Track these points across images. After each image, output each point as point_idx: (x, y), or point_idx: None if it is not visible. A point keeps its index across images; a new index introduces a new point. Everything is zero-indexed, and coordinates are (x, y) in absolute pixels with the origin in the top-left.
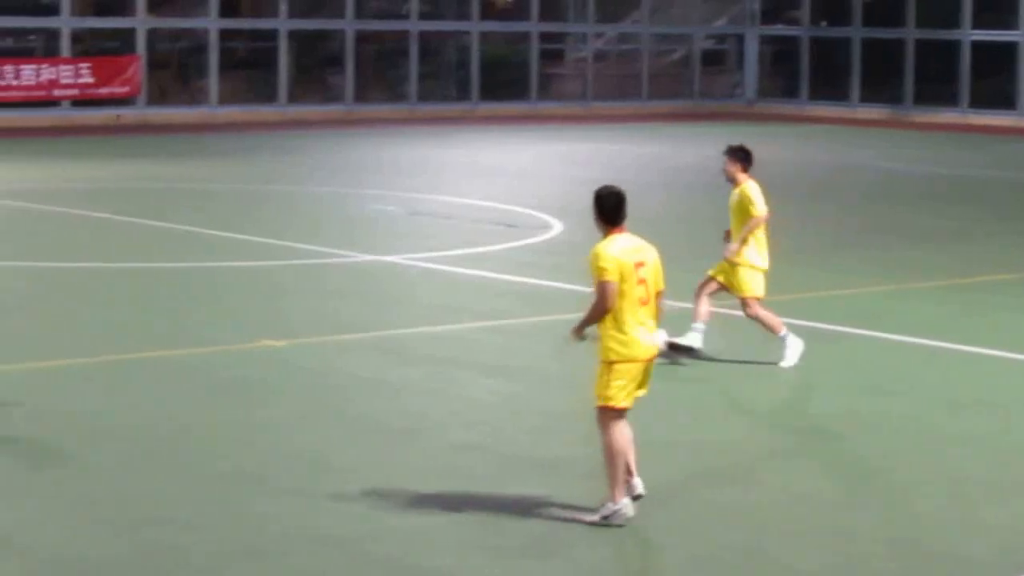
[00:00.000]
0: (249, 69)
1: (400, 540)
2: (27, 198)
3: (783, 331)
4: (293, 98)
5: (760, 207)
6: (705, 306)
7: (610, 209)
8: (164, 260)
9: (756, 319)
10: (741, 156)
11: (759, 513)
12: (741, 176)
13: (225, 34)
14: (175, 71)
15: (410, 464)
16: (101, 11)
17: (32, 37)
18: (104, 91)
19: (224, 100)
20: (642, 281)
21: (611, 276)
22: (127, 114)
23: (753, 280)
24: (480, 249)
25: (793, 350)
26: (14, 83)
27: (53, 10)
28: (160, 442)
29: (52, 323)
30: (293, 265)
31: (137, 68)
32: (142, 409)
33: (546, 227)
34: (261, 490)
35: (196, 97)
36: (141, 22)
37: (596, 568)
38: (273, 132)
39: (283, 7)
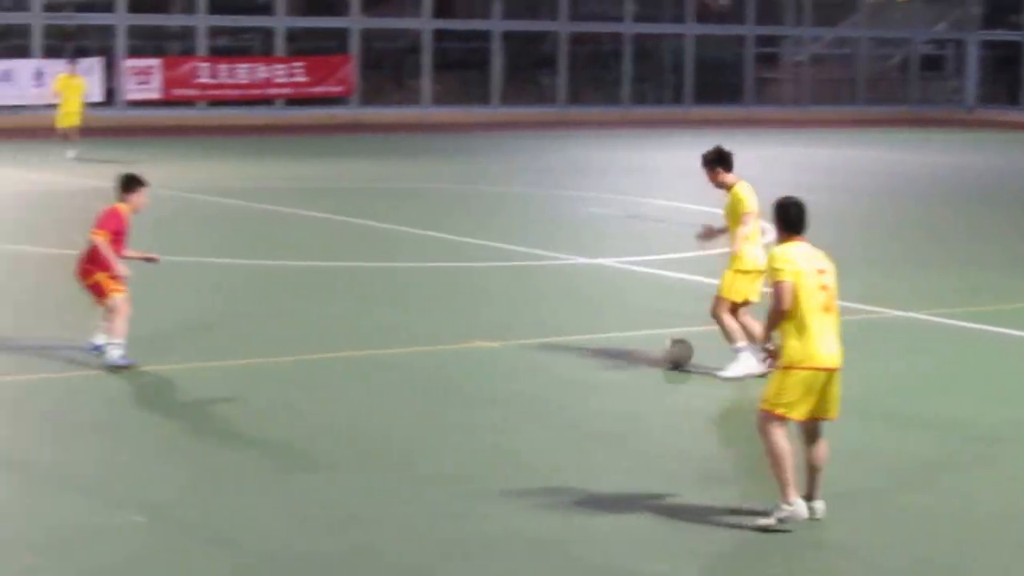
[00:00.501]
0: (462, 70)
1: (606, 544)
2: (240, 196)
3: (741, 344)
4: (506, 99)
5: (751, 203)
6: (748, 321)
7: (792, 219)
8: (376, 260)
9: (717, 320)
10: (716, 161)
11: (947, 523)
12: (730, 178)
13: (439, 35)
14: (388, 71)
15: (617, 467)
16: (315, 10)
17: (247, 36)
18: (317, 90)
19: (437, 100)
20: (824, 287)
21: (786, 276)
22: (340, 113)
23: (735, 282)
24: (693, 253)
25: (743, 366)
26: (229, 81)
27: (268, 9)
28: (370, 440)
29: (267, 320)
30: (505, 266)
31: (350, 68)
32: (353, 408)
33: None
34: (469, 491)
35: (409, 97)
36: (355, 22)
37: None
38: (485, 133)
39: (497, 8)
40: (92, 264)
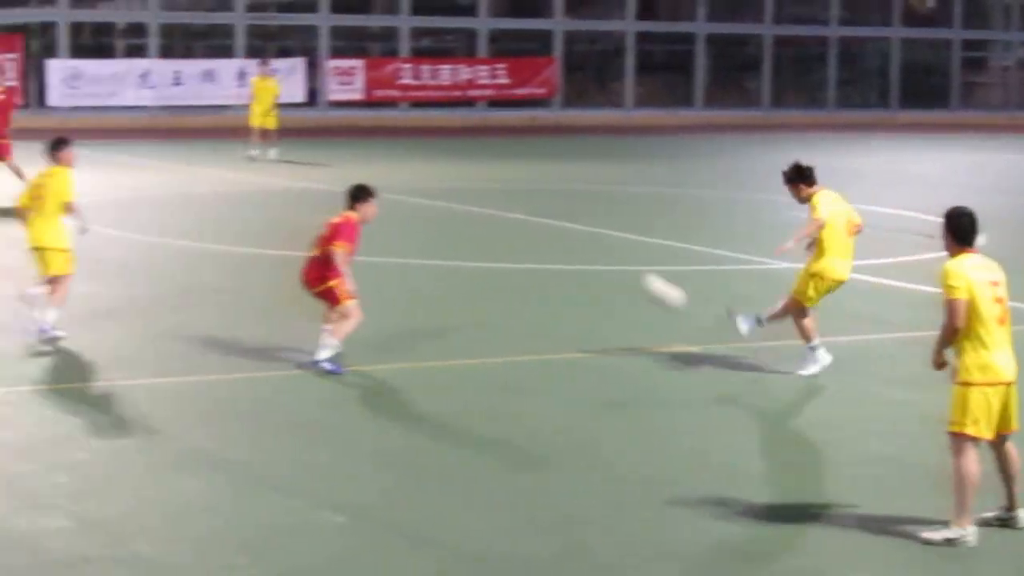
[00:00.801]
0: (665, 72)
1: (808, 550)
2: (442, 197)
3: (812, 343)
4: (709, 102)
5: (820, 211)
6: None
7: (965, 230)
8: (577, 263)
9: (794, 320)
10: (796, 177)
11: None
12: (812, 190)
13: (642, 37)
14: (591, 73)
15: (819, 473)
16: (518, 12)
17: (450, 37)
18: (520, 92)
19: (640, 103)
20: (999, 300)
21: (960, 294)
22: (542, 115)
23: (807, 285)
24: (898, 259)
25: (817, 364)
26: (431, 83)
27: (471, 11)
28: (574, 442)
29: (470, 322)
30: (708, 270)
31: (554, 69)
32: (556, 410)
33: None
34: (673, 494)
35: (611, 99)
36: (558, 24)
37: None
38: (688, 136)
39: (701, 10)
40: (325, 272)
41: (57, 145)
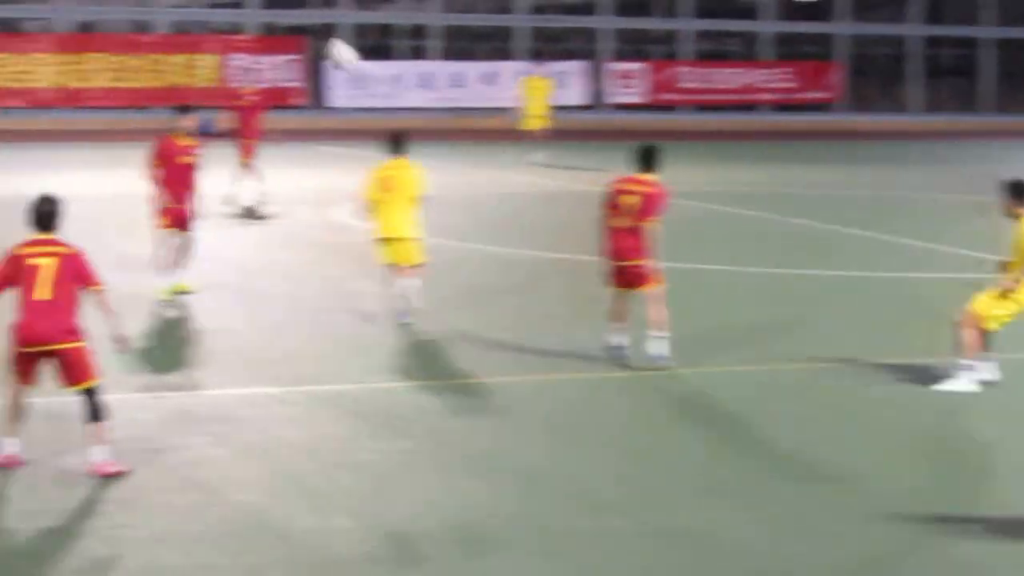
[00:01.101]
0: (952, 77)
1: None
2: (724, 201)
3: (967, 361)
4: (999, 107)
5: None
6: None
7: None
8: (857, 269)
9: (958, 332)
10: (1014, 193)
11: None
12: (1020, 211)
13: (929, 41)
14: (875, 77)
15: None
16: (804, 15)
17: (732, 41)
18: (804, 96)
19: (925, 107)
20: None
21: None
22: (827, 120)
23: (999, 306)
24: None
25: (961, 383)
26: (714, 86)
27: (754, 14)
28: (789, 451)
29: (756, 327)
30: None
31: (838, 73)
32: (785, 417)
33: None
34: (919, 510)
35: (897, 104)
36: (844, 27)
37: None
38: (976, 142)
39: (989, 14)
40: (642, 246)
41: (399, 138)
